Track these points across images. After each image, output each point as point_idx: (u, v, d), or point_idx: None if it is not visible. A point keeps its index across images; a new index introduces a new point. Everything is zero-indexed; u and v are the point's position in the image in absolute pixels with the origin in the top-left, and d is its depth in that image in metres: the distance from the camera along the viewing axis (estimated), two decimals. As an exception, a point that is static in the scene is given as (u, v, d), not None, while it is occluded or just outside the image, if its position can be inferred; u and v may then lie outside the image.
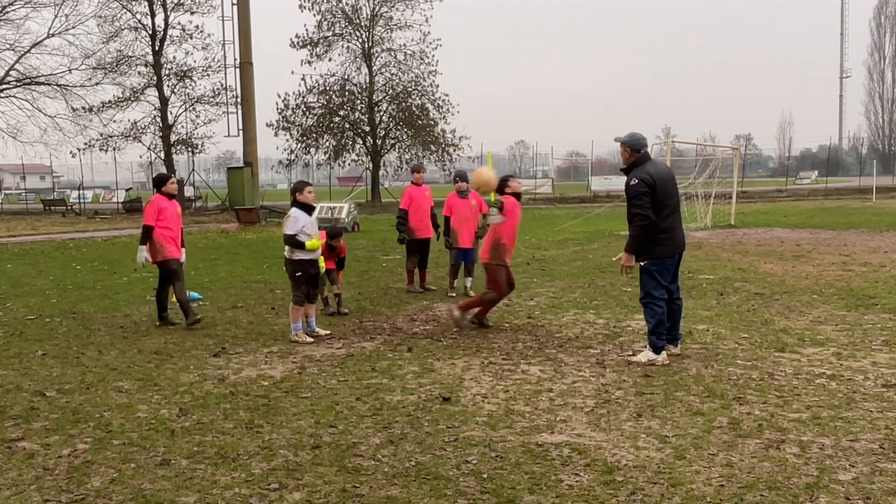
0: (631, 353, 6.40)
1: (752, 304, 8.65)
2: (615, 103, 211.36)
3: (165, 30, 36.28)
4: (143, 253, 7.99)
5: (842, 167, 74.69)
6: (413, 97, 40.45)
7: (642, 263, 6.22)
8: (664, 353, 6.12)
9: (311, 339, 7.23)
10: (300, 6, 39.69)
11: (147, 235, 7.97)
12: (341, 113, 40.72)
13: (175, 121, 37.32)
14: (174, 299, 8.26)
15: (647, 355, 6.14)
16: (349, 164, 45.37)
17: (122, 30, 36.10)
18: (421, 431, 4.60)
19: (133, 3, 35.74)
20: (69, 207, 39.40)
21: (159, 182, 8.27)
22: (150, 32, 36.12)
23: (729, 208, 22.29)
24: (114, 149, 37.88)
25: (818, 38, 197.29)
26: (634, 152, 6.16)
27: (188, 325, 7.92)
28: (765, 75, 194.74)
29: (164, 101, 36.71)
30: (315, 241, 7.25)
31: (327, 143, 41.21)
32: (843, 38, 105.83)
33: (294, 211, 7.29)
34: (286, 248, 7.31)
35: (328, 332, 7.54)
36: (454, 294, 9.71)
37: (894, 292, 9.20)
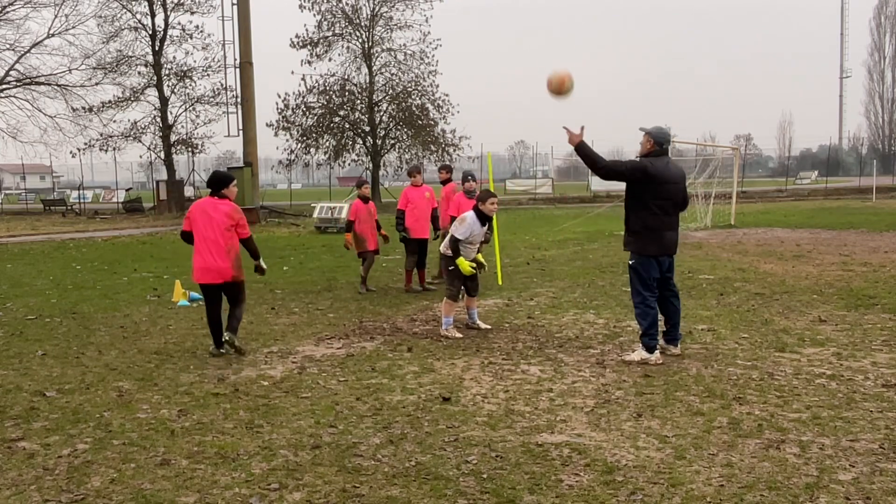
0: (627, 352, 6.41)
1: (752, 304, 8.65)
2: (615, 103, 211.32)
3: (165, 30, 36.23)
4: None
5: (842, 167, 74.60)
6: (413, 97, 40.41)
7: (630, 262, 6.25)
8: (657, 352, 6.14)
9: (461, 335, 7.21)
10: (300, 6, 39.65)
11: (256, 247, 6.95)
12: (341, 113, 40.68)
13: (175, 121, 37.26)
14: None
15: (640, 354, 6.15)
16: (349, 164, 45.32)
17: (122, 30, 36.06)
18: (421, 431, 4.60)
19: (133, 3, 35.69)
20: (69, 207, 39.39)
21: (223, 183, 6.74)
22: (150, 32, 36.06)
23: (729, 208, 22.28)
24: (114, 149, 37.84)
25: (818, 38, 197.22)
26: (657, 145, 6.16)
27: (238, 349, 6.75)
28: (765, 75, 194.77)
29: (164, 101, 36.65)
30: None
31: (327, 143, 41.16)
32: (843, 38, 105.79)
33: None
34: (443, 244, 7.58)
35: (488, 325, 7.66)
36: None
37: (894, 292, 9.20)
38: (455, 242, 7.29)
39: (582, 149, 6.09)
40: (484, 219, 7.33)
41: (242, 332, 7.70)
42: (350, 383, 5.70)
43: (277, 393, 5.47)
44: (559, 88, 6.21)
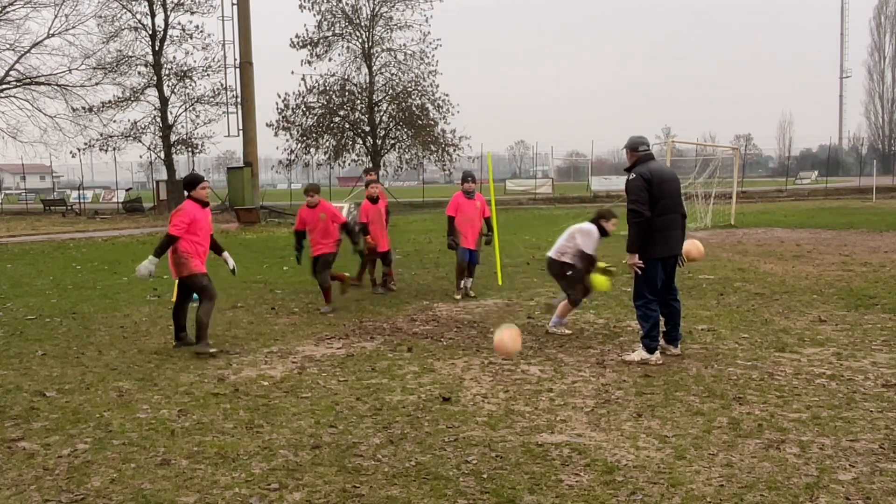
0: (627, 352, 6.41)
1: (752, 304, 8.65)
2: (615, 103, 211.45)
3: (165, 30, 36.22)
4: (153, 266, 6.76)
5: (842, 167, 74.58)
6: (413, 97, 40.39)
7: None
8: (657, 353, 6.14)
9: (570, 331, 7.38)
10: (300, 6, 39.63)
11: (167, 246, 6.78)
12: (341, 113, 40.67)
13: (175, 121, 37.25)
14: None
15: (640, 354, 6.16)
16: (349, 164, 45.31)
17: (122, 30, 36.04)
18: (421, 431, 4.60)
19: (133, 3, 35.69)
20: (69, 207, 39.39)
21: (191, 184, 6.98)
22: (150, 32, 36.06)
23: (729, 208, 22.28)
24: (114, 149, 37.83)
25: (818, 38, 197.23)
26: (633, 152, 6.26)
27: (196, 353, 6.71)
28: (765, 75, 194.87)
29: (164, 101, 36.65)
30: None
31: (327, 143, 41.14)
32: (843, 38, 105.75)
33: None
34: (569, 257, 7.47)
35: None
36: (459, 297, 9.59)
37: (894, 292, 9.20)
38: (589, 258, 7.34)
39: (632, 248, 6.15)
40: (603, 233, 7.50)
41: (242, 331, 7.71)
42: (350, 383, 5.70)
43: (277, 393, 5.47)
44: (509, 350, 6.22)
